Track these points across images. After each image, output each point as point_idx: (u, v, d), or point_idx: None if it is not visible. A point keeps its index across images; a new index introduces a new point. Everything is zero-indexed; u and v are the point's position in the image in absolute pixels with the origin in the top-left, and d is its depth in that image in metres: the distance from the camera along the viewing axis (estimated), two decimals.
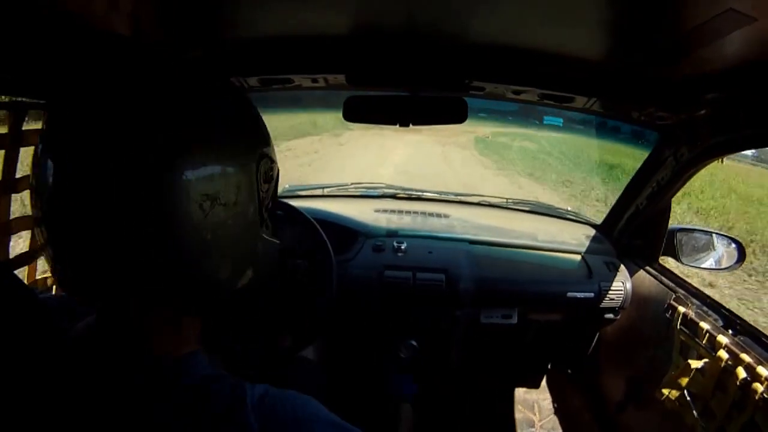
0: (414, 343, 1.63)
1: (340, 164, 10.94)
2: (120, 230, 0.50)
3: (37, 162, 0.52)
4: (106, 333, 0.55)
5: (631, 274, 1.71)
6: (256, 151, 0.62)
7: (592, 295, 1.66)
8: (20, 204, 1.14)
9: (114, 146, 0.49)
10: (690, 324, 1.31)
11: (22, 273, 1.11)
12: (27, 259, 1.15)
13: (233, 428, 0.50)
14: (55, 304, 0.67)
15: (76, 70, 0.61)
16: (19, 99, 1.02)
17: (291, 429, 0.52)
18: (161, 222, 0.51)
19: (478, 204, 2.27)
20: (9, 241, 1.08)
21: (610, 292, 1.67)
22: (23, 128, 1.05)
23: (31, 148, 1.06)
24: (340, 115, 1.37)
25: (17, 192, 1.06)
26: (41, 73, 0.96)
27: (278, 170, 0.69)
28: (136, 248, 0.50)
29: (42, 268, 1.18)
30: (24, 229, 1.11)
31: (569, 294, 1.66)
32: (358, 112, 1.37)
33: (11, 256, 1.11)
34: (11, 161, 1.04)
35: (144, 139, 0.50)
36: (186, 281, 0.54)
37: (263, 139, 0.64)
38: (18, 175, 1.07)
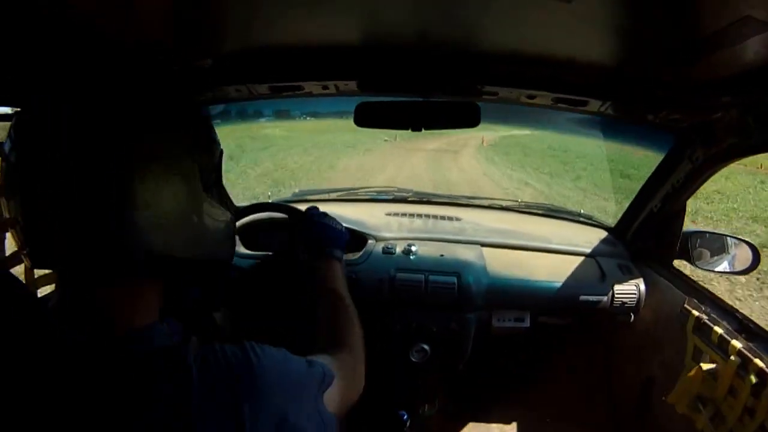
0: (425, 346, 1.68)
1: None
2: (73, 203, 0.58)
3: (9, 147, 0.61)
4: (68, 305, 0.63)
5: (645, 277, 1.75)
6: (204, 133, 0.74)
7: (605, 298, 1.70)
8: None
9: (72, 136, 0.59)
10: (703, 328, 1.35)
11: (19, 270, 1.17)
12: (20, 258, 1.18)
13: (173, 384, 0.57)
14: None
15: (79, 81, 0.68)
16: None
17: (228, 375, 0.60)
18: (108, 195, 0.59)
19: (490, 207, 2.32)
20: (4, 238, 1.11)
21: (624, 295, 1.70)
22: None
23: None
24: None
25: None
26: (44, 82, 0.97)
27: (221, 151, 0.80)
28: (91, 219, 0.59)
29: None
30: None
31: (582, 297, 1.70)
32: (370, 118, 1.41)
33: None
34: None
35: (95, 128, 0.60)
36: (138, 246, 0.62)
37: (204, 125, 0.76)
38: None
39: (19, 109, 1.05)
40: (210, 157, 0.75)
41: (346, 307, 1.06)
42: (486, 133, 21.43)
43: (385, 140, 18.65)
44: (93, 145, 0.59)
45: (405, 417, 1.70)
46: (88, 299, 0.62)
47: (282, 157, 14.11)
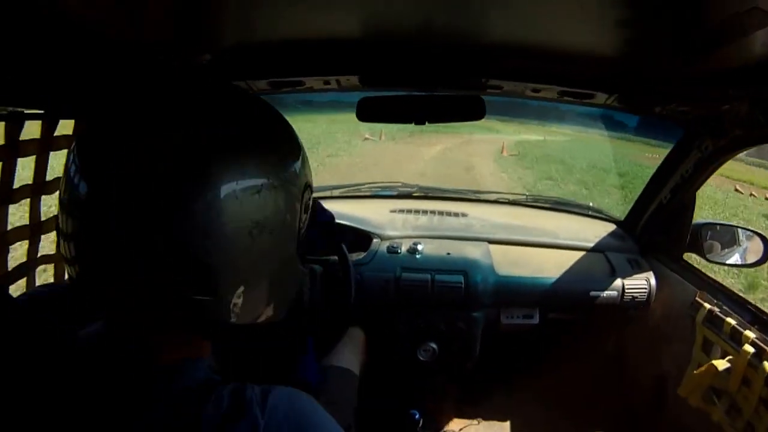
0: (433, 345, 1.68)
1: None
2: (144, 257, 0.52)
3: (68, 180, 0.55)
4: (114, 342, 0.58)
5: (655, 271, 1.74)
6: (304, 181, 0.64)
7: (614, 293, 1.70)
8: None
9: (151, 169, 0.52)
10: (715, 320, 1.35)
11: (20, 284, 1.15)
12: (25, 270, 1.17)
13: (242, 424, 0.52)
14: (45, 296, 0.72)
15: (106, 88, 0.62)
16: (17, 109, 1.03)
17: (293, 422, 0.55)
18: (194, 249, 0.53)
19: (497, 202, 2.32)
20: (7, 252, 1.11)
21: (634, 289, 1.70)
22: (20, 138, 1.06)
23: (28, 159, 1.07)
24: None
25: (14, 203, 1.09)
26: (41, 80, 0.97)
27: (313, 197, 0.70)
28: (166, 274, 0.53)
29: (40, 277, 1.22)
30: (20, 240, 1.14)
31: (592, 293, 1.70)
32: (373, 113, 1.41)
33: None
34: (8, 172, 1.06)
35: (180, 166, 0.52)
36: (210, 310, 0.56)
37: (305, 167, 0.66)
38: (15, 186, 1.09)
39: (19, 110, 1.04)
40: (307, 206, 0.67)
41: None
42: (494, 136, 17.88)
43: (366, 139, 15.19)
44: (173, 182, 0.52)
45: (417, 416, 1.71)
46: (132, 335, 0.58)
47: None
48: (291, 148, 0.64)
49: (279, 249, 0.60)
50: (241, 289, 0.57)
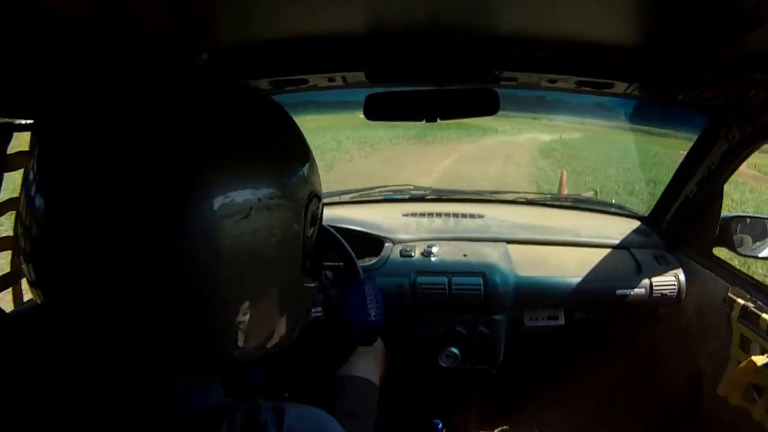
0: (455, 350, 1.64)
1: None
2: (122, 279, 0.46)
3: (25, 191, 0.49)
4: (107, 368, 0.54)
5: (684, 267, 1.70)
6: (305, 190, 0.57)
7: (642, 291, 1.65)
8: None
9: (117, 177, 0.45)
10: (751, 316, 1.30)
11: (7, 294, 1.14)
12: (10, 280, 1.15)
13: None
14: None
15: (68, 84, 0.57)
16: (5, 120, 0.99)
17: None
18: (177, 275, 0.47)
19: (514, 202, 2.28)
20: None
21: (662, 286, 1.66)
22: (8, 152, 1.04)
23: (17, 172, 1.03)
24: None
25: (1, 215, 1.08)
26: (31, 88, 0.92)
27: (323, 206, 0.63)
28: (142, 303, 0.47)
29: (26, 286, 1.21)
30: (5, 249, 1.13)
31: (618, 291, 1.65)
32: (381, 110, 1.37)
33: None
34: None
35: (154, 174, 0.46)
36: (205, 346, 0.52)
37: (312, 173, 0.60)
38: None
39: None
40: (317, 211, 0.61)
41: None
42: (499, 138, 15.39)
43: None
44: (145, 191, 0.45)
45: (440, 426, 1.66)
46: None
47: None
48: (293, 154, 0.58)
49: (277, 272, 0.54)
50: (247, 304, 0.51)
